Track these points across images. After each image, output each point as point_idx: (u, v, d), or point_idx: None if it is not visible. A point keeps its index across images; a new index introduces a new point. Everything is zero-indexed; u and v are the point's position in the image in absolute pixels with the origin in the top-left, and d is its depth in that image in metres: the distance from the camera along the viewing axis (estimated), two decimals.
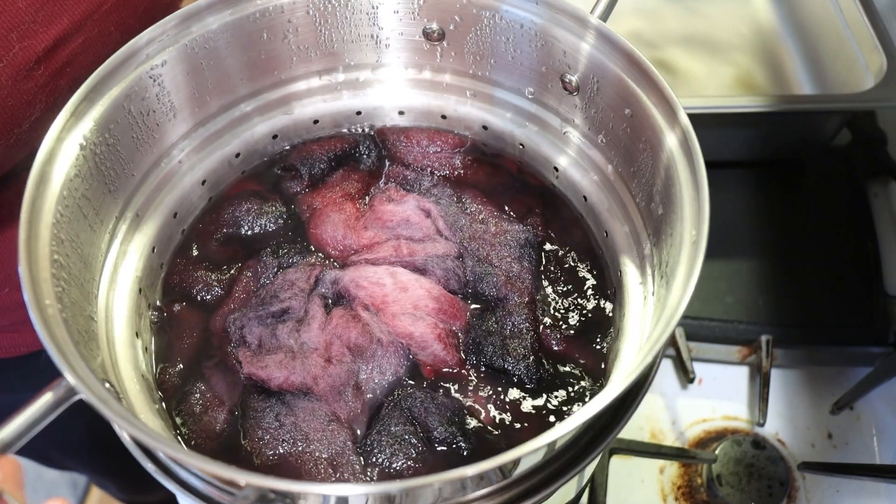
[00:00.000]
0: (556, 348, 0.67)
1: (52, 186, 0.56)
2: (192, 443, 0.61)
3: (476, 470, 0.43)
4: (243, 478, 0.43)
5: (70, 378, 0.46)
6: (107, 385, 0.53)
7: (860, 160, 1.06)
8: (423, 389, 0.63)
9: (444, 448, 0.61)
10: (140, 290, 0.66)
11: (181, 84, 0.68)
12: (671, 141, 0.59)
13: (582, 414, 0.45)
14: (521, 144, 0.78)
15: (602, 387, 0.64)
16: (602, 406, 0.45)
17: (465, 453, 0.60)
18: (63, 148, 0.57)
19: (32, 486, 1.74)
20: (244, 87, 0.74)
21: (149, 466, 0.52)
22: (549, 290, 0.71)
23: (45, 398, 0.48)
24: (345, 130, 0.82)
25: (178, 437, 0.61)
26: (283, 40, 0.73)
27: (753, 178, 1.05)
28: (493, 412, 0.63)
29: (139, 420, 0.48)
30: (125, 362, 0.60)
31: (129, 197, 0.67)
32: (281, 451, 0.60)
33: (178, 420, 0.62)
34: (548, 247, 0.73)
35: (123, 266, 0.65)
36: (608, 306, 0.69)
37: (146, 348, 0.65)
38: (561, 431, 0.44)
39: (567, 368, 0.66)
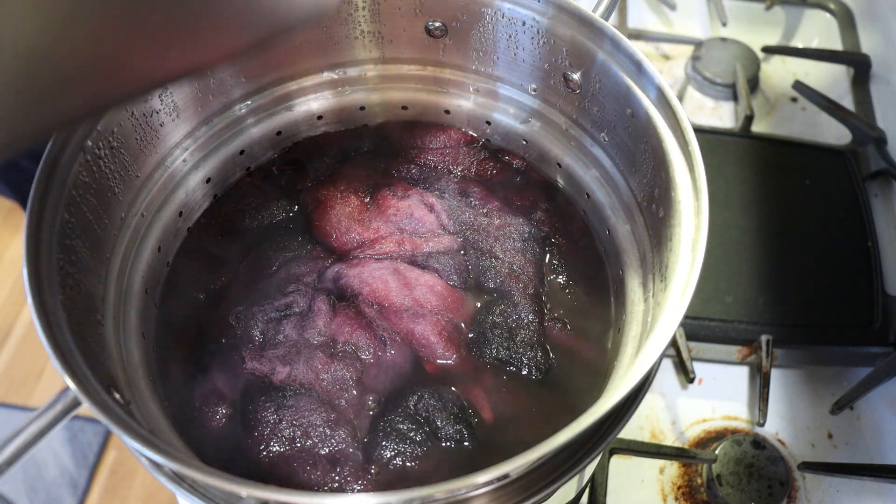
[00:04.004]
0: (559, 341, 0.67)
1: (56, 195, 0.55)
2: (194, 438, 0.61)
3: (487, 476, 0.43)
4: (244, 490, 0.43)
5: (74, 388, 0.46)
6: (113, 392, 0.53)
7: (860, 160, 1.06)
8: (427, 386, 0.63)
9: (449, 444, 0.61)
10: (146, 291, 0.66)
11: (184, 84, 0.68)
12: (671, 144, 0.59)
13: (588, 417, 0.45)
14: (525, 140, 0.78)
15: (605, 381, 0.64)
16: (606, 410, 0.45)
17: (470, 449, 0.60)
18: (66, 155, 0.57)
19: (32, 485, 1.74)
20: (247, 85, 0.74)
21: (152, 471, 0.52)
22: (551, 283, 0.71)
23: (52, 408, 0.48)
24: (349, 126, 0.82)
25: (181, 435, 0.61)
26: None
27: (754, 178, 1.05)
28: (498, 406, 0.63)
29: (142, 430, 0.48)
30: (133, 364, 0.60)
31: (133, 199, 0.67)
32: (281, 447, 0.60)
33: (181, 416, 0.63)
34: (551, 241, 0.73)
35: (130, 268, 0.65)
36: (610, 303, 0.69)
37: (153, 348, 0.65)
38: (569, 435, 0.44)
39: (571, 361, 0.66)
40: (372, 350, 0.65)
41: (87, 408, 0.46)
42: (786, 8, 1.31)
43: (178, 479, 0.51)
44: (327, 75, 0.78)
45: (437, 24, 0.74)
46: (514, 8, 0.69)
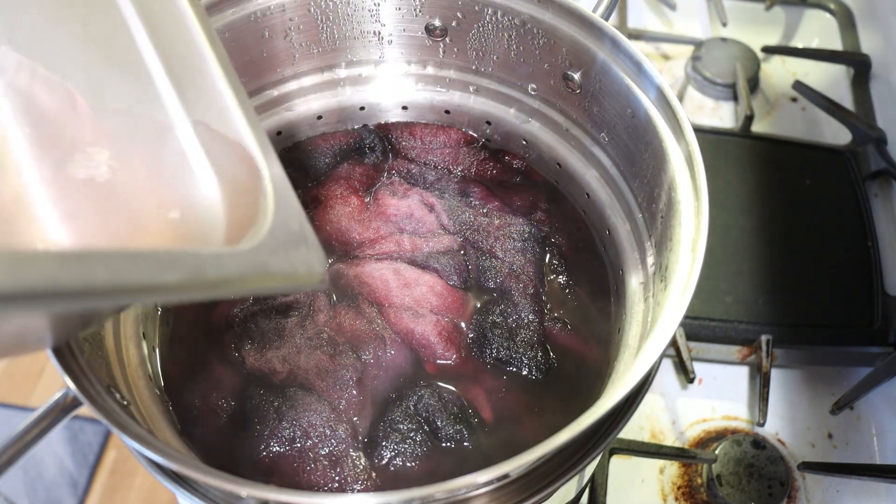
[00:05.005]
0: (560, 341, 0.67)
1: None
2: (194, 438, 0.61)
3: (487, 476, 0.43)
4: (244, 490, 0.43)
5: (74, 388, 0.46)
6: (113, 392, 0.53)
7: (860, 160, 1.06)
8: (427, 385, 0.63)
9: (449, 444, 0.61)
10: None
11: None
12: (671, 144, 0.59)
13: (588, 417, 0.45)
14: (525, 140, 0.78)
15: (605, 381, 0.64)
16: (606, 409, 0.45)
17: (470, 449, 0.60)
18: None
19: (32, 485, 1.74)
20: (247, 85, 0.74)
21: (152, 471, 0.52)
22: (551, 283, 0.71)
23: (52, 408, 0.48)
24: (348, 126, 0.82)
25: (181, 435, 0.61)
26: (284, 38, 0.73)
27: (754, 178, 1.05)
28: (498, 406, 0.63)
29: (142, 430, 0.48)
30: (133, 364, 0.60)
31: None
32: (281, 447, 0.60)
33: (181, 416, 0.63)
34: (551, 241, 0.73)
35: None
36: (610, 303, 0.69)
37: (153, 347, 0.65)
38: (568, 435, 0.44)
39: (571, 361, 0.66)
40: (372, 350, 0.65)
41: (87, 408, 0.46)
42: (786, 8, 1.31)
43: (178, 479, 0.51)
44: (327, 75, 0.78)
45: (437, 25, 0.74)
46: (514, 8, 0.69)
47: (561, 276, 0.72)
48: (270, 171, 0.45)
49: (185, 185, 0.47)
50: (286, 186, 0.45)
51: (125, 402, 0.54)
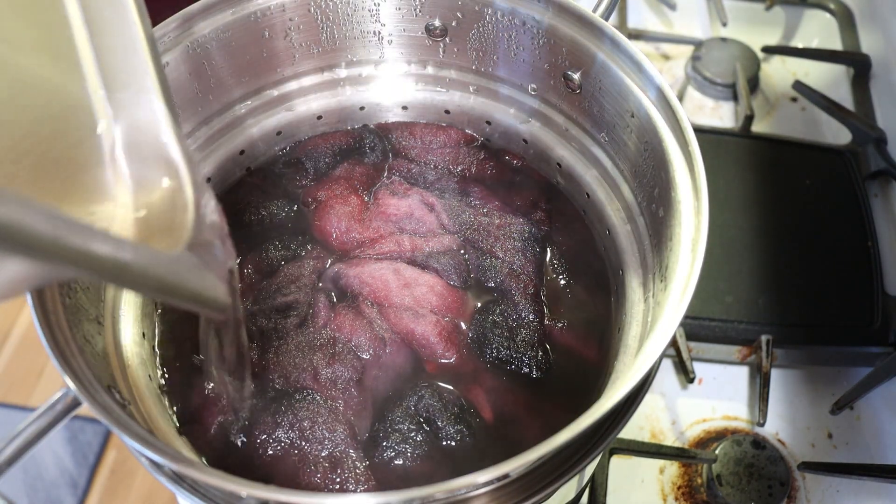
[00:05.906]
0: (560, 341, 0.67)
1: None
2: (193, 440, 0.61)
3: (487, 476, 0.43)
4: (244, 490, 0.43)
5: (74, 388, 0.46)
6: (114, 392, 0.53)
7: (860, 160, 1.06)
8: (427, 385, 0.63)
9: (450, 444, 0.61)
10: None
11: (184, 84, 0.68)
12: (671, 144, 0.59)
13: (588, 417, 0.45)
14: (525, 140, 0.78)
15: (605, 381, 0.64)
16: (606, 409, 0.45)
17: (470, 450, 0.60)
18: None
19: (32, 485, 1.74)
20: (247, 85, 0.74)
21: (152, 470, 0.52)
22: (551, 283, 0.71)
23: (52, 408, 0.48)
24: (348, 126, 0.82)
25: (181, 435, 0.61)
26: (284, 38, 0.73)
27: (754, 178, 1.05)
28: (498, 406, 0.63)
29: (142, 430, 0.48)
30: (133, 364, 0.60)
31: None
32: (282, 447, 0.60)
33: (180, 416, 0.63)
34: (551, 241, 0.73)
35: None
36: (610, 303, 0.69)
37: (153, 348, 0.65)
38: (568, 435, 0.44)
39: (571, 361, 0.66)
40: (372, 350, 0.65)
41: (87, 408, 0.46)
42: (786, 8, 1.31)
43: (178, 479, 0.51)
44: (327, 75, 0.78)
45: (437, 25, 0.74)
46: (514, 8, 0.69)
47: (561, 276, 0.72)
48: (192, 188, 0.46)
49: (98, 183, 0.47)
50: (212, 211, 0.46)
51: (125, 402, 0.54)
